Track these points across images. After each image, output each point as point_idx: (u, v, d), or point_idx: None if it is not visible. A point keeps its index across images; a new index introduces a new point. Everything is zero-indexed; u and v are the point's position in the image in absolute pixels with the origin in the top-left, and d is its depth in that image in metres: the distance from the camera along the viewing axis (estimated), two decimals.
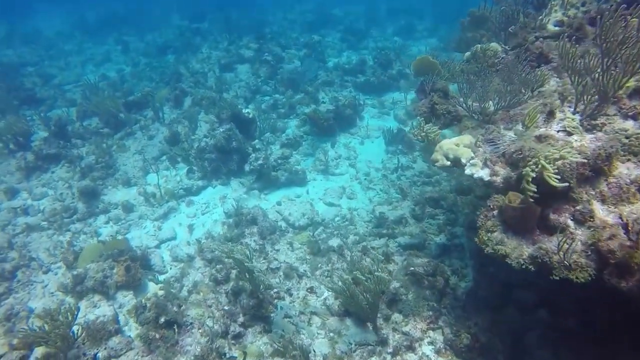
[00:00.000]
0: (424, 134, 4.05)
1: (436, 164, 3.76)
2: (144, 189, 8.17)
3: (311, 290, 5.45)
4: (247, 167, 8.30)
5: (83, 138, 9.74)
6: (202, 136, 8.77)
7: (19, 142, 9.23)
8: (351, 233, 6.90)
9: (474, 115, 4.34)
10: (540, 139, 3.08)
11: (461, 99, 4.69)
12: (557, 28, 5.56)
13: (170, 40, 18.17)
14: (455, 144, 3.63)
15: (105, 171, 8.54)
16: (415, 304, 4.99)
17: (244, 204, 7.91)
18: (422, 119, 4.17)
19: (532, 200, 2.91)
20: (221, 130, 8.33)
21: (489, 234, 3.12)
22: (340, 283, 4.85)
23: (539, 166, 2.78)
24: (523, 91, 4.05)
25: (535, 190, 2.86)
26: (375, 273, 4.34)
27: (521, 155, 3.03)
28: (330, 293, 5.39)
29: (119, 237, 7.32)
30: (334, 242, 6.56)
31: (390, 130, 9.57)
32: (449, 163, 3.63)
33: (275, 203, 7.78)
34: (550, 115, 3.55)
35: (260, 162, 8.16)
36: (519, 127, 3.87)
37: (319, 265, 5.93)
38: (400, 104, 11.79)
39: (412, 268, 5.33)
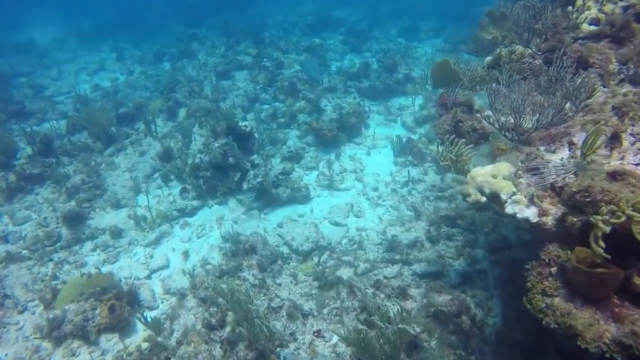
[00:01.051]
0: (453, 157, 3.36)
1: (468, 199, 3.09)
2: (134, 211, 7.53)
3: (318, 333, 4.77)
4: (245, 185, 7.65)
5: (71, 155, 9.12)
6: (197, 152, 8.13)
7: (1, 160, 8.62)
8: (361, 260, 6.22)
9: (506, 134, 3.66)
10: (614, 176, 2.41)
11: (488, 113, 4.01)
12: (594, 27, 4.87)
13: (166, 46, 17.56)
14: (492, 175, 2.97)
15: (93, 192, 7.92)
16: (440, 353, 4.31)
17: (243, 227, 7.27)
18: (449, 142, 3.47)
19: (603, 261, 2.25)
20: (217, 145, 7.69)
21: (547, 300, 2.44)
22: (352, 328, 4.18)
23: (621, 217, 2.12)
24: (567, 104, 3.36)
25: (606, 253, 2.19)
26: (398, 325, 3.67)
27: (589, 199, 2.36)
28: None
29: (107, 265, 6.72)
30: (343, 272, 5.89)
31: (399, 139, 8.89)
32: (484, 199, 2.96)
33: (277, 225, 7.12)
34: (614, 139, 2.88)
35: (259, 179, 7.50)
36: (566, 150, 3.19)
37: (327, 301, 5.26)
38: (407, 109, 11.10)
39: (434, 309, 4.64)
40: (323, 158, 9.17)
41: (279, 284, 5.54)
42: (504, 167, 3.03)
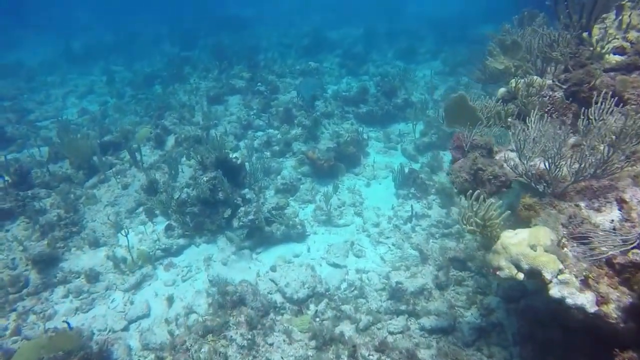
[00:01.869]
0: (480, 221, 2.78)
1: (499, 274, 2.52)
2: (113, 252, 6.87)
3: None
4: (235, 223, 7.03)
5: (49, 186, 8.48)
6: (184, 185, 7.53)
7: None
8: (362, 311, 5.58)
9: (537, 185, 3.11)
10: None
11: (509, 155, 3.47)
12: (620, 57, 4.39)
13: (158, 69, 17.17)
14: (530, 245, 2.40)
15: (69, 229, 7.26)
16: None
17: (233, 268, 6.64)
18: (473, 199, 2.90)
19: None
20: (205, 179, 7.10)
21: None
22: None
23: None
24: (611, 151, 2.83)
25: None
26: None
27: None
28: None
29: (80, 315, 6.03)
30: (344, 327, 5.24)
31: (401, 170, 8.35)
32: (522, 276, 2.39)
33: (270, 268, 6.48)
34: None
35: (250, 216, 6.90)
36: (615, 210, 2.64)
37: None
38: (408, 136, 10.63)
39: None
40: (320, 190, 8.60)
41: (271, 344, 4.86)
42: (543, 234, 2.47)
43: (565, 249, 2.44)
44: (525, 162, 3.06)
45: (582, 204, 2.87)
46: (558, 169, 2.91)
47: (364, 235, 7.47)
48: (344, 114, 11.30)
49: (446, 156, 9.59)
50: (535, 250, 2.38)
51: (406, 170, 8.36)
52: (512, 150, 3.80)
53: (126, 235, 6.72)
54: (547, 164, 2.94)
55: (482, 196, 2.78)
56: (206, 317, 5.38)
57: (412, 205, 7.65)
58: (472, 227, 2.80)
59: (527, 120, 3.25)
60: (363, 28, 23.04)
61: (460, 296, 5.80)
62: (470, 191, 2.84)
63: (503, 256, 2.50)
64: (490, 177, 3.39)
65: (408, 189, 8.21)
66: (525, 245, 2.42)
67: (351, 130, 10.01)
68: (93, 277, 6.55)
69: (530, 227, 2.63)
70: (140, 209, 7.81)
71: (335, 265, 6.69)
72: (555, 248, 2.40)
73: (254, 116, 11.03)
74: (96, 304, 6.26)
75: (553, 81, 4.63)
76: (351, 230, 7.59)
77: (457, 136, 3.80)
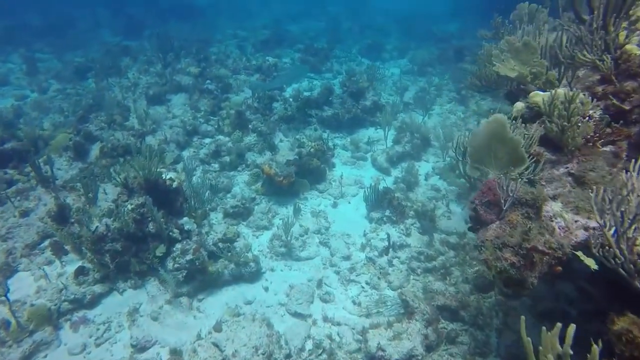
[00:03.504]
0: None
1: None
2: None
3: None
4: (170, 264, 5.49)
5: None
6: (104, 212, 5.87)
7: None
8: None
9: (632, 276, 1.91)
10: None
11: (556, 208, 2.27)
12: None
13: (93, 60, 14.90)
14: None
15: None
16: None
17: (166, 324, 5.13)
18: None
19: None
20: (130, 207, 5.50)
21: None
22: None
23: None
24: None
25: None
26: None
27: None
28: None
29: None
30: None
31: (373, 188, 7.12)
32: None
33: (213, 327, 5.01)
34: None
35: (189, 256, 5.40)
36: None
37: None
38: (378, 144, 9.46)
39: None
40: (278, 212, 7.22)
41: None
42: None
43: None
44: (625, 246, 1.84)
45: None
46: None
47: (331, 271, 6.18)
48: (305, 118, 9.92)
49: (422, 168, 8.50)
50: None
51: (379, 188, 7.14)
52: (554, 200, 2.59)
53: (5, 295, 4.98)
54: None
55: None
56: None
57: (388, 234, 6.44)
58: None
59: (565, 151, 2.05)
60: (326, 22, 21.75)
61: (454, 359, 4.65)
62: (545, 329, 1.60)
63: None
64: (545, 247, 2.17)
65: (382, 211, 7.00)
66: None
67: (314, 138, 8.67)
68: None
69: None
70: (47, 242, 6.06)
71: (298, 315, 5.36)
72: None
73: (201, 119, 9.39)
74: None
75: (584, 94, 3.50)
76: (316, 265, 6.27)
77: (489, 185, 2.56)
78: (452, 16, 23.31)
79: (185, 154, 8.51)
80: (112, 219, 5.58)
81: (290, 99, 10.77)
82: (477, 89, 5.37)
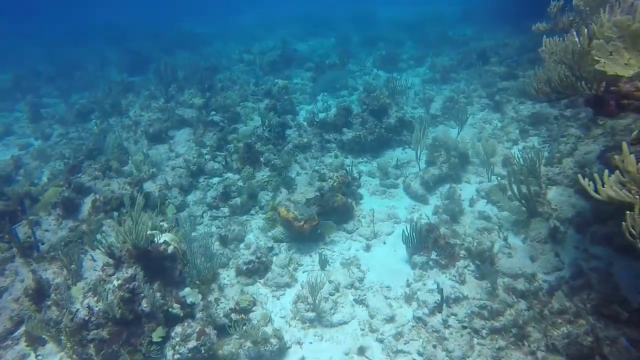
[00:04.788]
0: None
1: None
2: None
3: None
4: (170, 353, 4.33)
5: None
6: (88, 289, 4.79)
7: None
8: None
9: None
10: None
11: None
12: None
13: (98, 99, 14.27)
14: None
15: None
16: None
17: None
18: None
19: None
20: (116, 283, 4.41)
21: None
22: None
23: None
24: None
25: None
26: None
27: None
28: None
29: None
30: None
31: (415, 227, 5.84)
32: None
33: None
34: None
35: (192, 343, 4.24)
36: None
37: None
38: (409, 166, 8.21)
39: None
40: (301, 262, 6.04)
41: None
42: None
43: None
44: None
45: None
46: None
47: (372, 338, 4.91)
48: (323, 144, 8.79)
49: (464, 191, 7.20)
50: None
51: (421, 226, 5.86)
52: None
53: None
54: None
55: None
56: None
57: (438, 284, 5.14)
58: None
59: None
60: (334, 37, 20.84)
61: None
62: None
63: None
64: None
65: (427, 254, 5.71)
66: None
67: (336, 167, 7.52)
68: None
69: None
70: (22, 329, 5.02)
71: None
72: None
73: (206, 156, 8.37)
74: None
75: None
76: (353, 332, 5.01)
77: None
78: (462, 20, 22.18)
79: (191, 198, 7.47)
80: (95, 299, 4.49)
81: (305, 123, 9.71)
82: (544, 95, 4.11)
